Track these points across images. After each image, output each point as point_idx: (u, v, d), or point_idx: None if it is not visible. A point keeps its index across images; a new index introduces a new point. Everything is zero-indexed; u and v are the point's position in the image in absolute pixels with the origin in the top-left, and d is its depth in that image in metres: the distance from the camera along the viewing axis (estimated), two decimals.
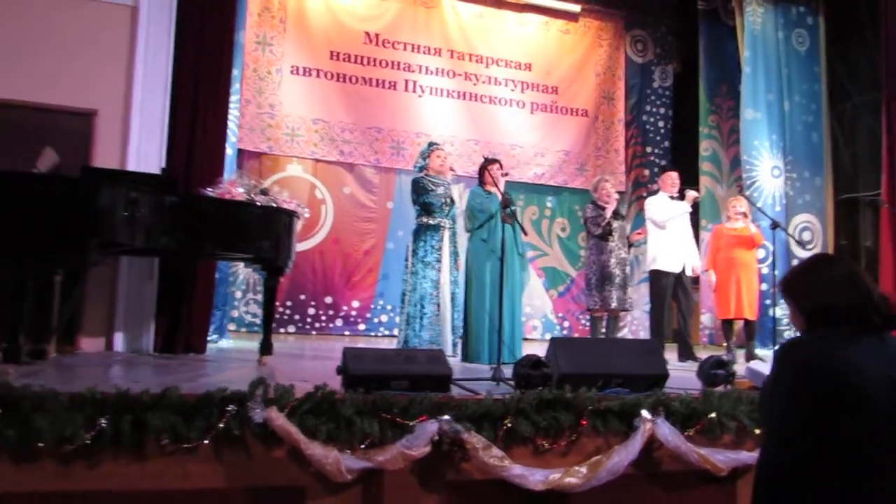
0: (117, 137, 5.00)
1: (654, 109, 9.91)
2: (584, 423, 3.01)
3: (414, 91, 8.82)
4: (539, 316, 9.00)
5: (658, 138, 9.87)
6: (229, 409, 2.69)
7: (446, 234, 5.57)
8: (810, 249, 7.67)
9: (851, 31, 8.11)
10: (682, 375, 4.18)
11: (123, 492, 2.61)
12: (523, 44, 9.42)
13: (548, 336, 8.46)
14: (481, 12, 9.22)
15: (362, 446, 2.77)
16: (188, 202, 4.45)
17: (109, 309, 5.04)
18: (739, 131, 8.20)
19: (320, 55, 8.43)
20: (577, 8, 9.54)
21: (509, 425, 2.91)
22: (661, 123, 9.91)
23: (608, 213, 6.19)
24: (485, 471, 2.87)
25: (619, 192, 9.40)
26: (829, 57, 8.32)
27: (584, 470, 2.95)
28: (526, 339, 8.09)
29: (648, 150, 9.79)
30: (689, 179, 9.01)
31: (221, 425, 2.67)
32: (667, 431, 3.08)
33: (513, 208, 5.41)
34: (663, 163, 9.73)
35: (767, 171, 7.92)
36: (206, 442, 2.66)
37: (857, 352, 1.77)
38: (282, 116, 8.17)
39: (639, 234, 6.79)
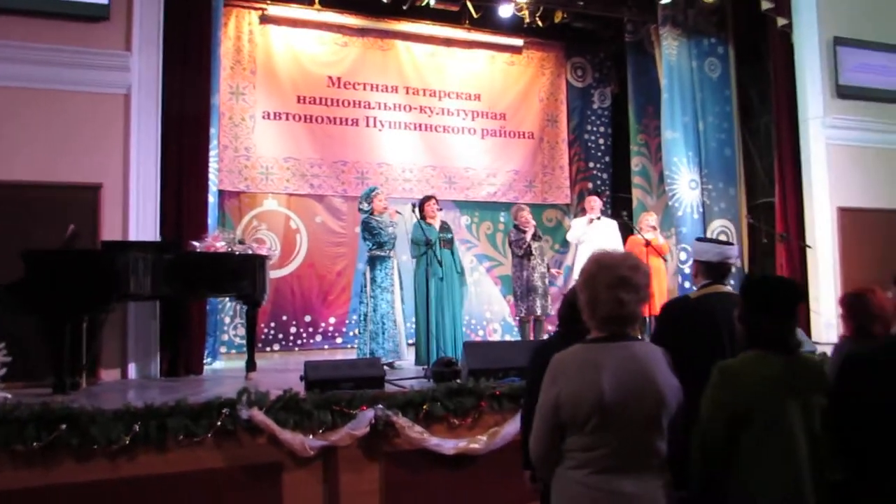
0: (119, 204, 5.96)
1: (595, 128, 10.93)
2: (484, 404, 4.13)
3: (374, 126, 9.72)
4: (498, 319, 9.99)
5: (599, 154, 10.91)
6: (224, 411, 3.79)
7: (395, 263, 6.61)
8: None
9: (758, 57, 8.86)
10: None
11: (154, 475, 3.71)
12: (472, 76, 10.34)
13: (507, 337, 9.50)
14: (433, 51, 10.13)
15: (320, 431, 3.90)
16: (181, 258, 5.47)
17: (122, 345, 5.98)
18: None
19: (288, 100, 9.30)
20: (520, 42, 10.49)
21: (427, 409, 4.02)
22: (601, 141, 10.94)
23: (528, 237, 7.22)
24: (411, 443, 4.00)
25: (566, 204, 10.64)
26: (740, 81, 9.13)
27: (484, 438, 4.08)
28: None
29: (591, 165, 10.81)
30: (625, 190, 10.19)
31: (219, 423, 3.78)
32: None
33: (450, 235, 6.48)
34: (605, 176, 10.82)
35: (686, 183, 8.82)
36: (209, 436, 3.78)
37: None
38: (256, 157, 9.03)
39: (554, 273, 8.02)
